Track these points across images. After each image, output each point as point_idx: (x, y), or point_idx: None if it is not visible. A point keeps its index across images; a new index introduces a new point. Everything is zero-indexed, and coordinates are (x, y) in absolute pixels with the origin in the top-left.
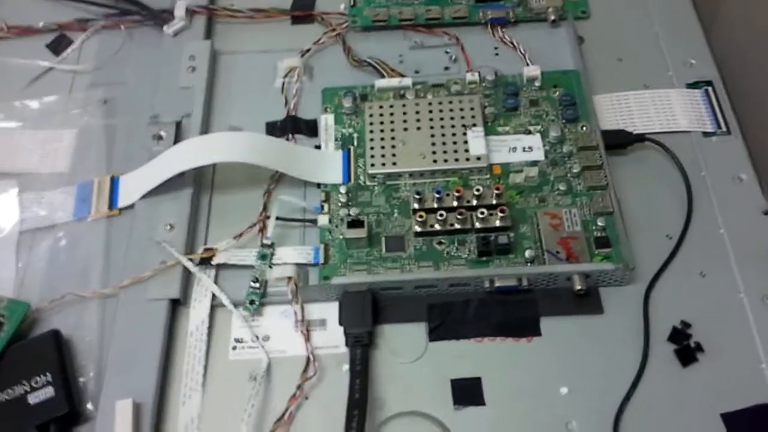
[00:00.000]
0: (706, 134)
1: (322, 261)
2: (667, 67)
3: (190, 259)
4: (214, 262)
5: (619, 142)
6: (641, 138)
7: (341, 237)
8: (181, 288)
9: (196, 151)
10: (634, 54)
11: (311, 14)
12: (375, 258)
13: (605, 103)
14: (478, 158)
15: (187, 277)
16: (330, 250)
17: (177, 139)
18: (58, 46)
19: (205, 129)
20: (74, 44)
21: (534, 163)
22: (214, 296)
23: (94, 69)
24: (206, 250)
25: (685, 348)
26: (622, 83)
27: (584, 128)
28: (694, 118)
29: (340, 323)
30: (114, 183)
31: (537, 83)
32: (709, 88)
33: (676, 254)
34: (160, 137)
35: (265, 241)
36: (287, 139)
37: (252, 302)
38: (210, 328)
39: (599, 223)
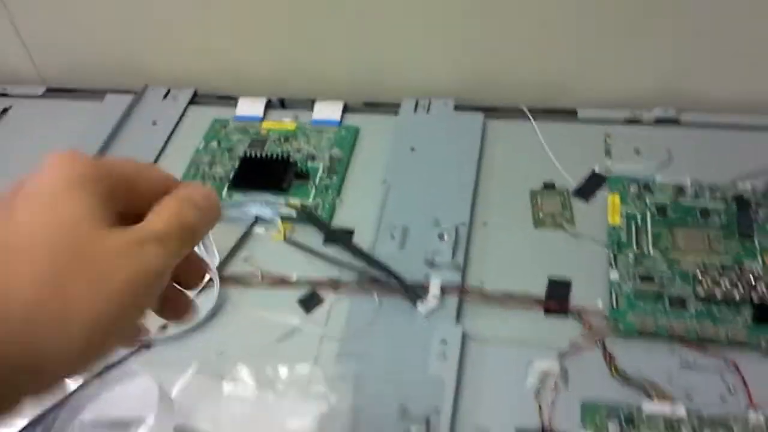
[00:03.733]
0: None
1: None
2: None
3: None
4: None
5: None
6: None
7: None
8: None
9: None
10: None
11: (566, 308)
12: None
13: None
14: None
15: None
16: None
17: None
18: (309, 303)
19: (453, 428)
20: (324, 303)
21: None
22: None
23: (342, 337)
24: None
25: None
26: None
27: None
28: None
29: None
30: None
31: None
32: None
33: None
34: None
35: None
36: None
37: None
38: None
39: None
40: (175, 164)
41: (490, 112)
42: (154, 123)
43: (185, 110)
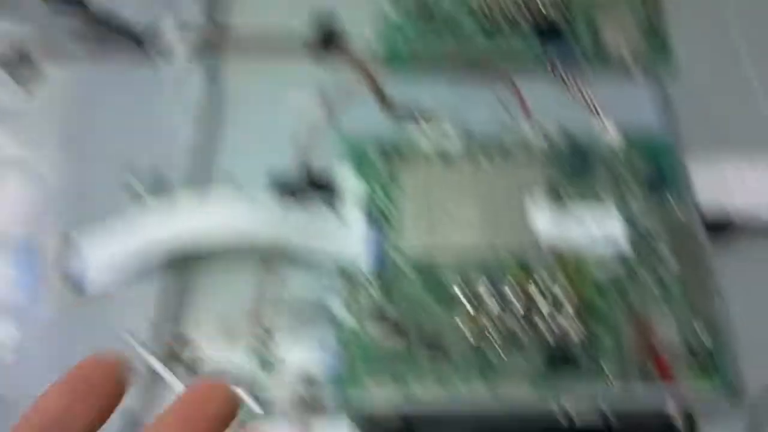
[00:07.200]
0: None
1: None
2: None
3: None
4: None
5: (721, 227)
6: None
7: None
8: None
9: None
10: (732, 119)
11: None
12: None
13: (700, 177)
14: (541, 237)
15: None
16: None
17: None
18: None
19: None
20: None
21: (612, 246)
22: None
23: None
24: (177, 339)
25: None
26: (718, 153)
27: (676, 207)
28: None
29: None
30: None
31: (615, 146)
32: None
33: None
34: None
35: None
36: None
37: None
38: None
39: (700, 336)
40: None
41: None
42: None
43: None
